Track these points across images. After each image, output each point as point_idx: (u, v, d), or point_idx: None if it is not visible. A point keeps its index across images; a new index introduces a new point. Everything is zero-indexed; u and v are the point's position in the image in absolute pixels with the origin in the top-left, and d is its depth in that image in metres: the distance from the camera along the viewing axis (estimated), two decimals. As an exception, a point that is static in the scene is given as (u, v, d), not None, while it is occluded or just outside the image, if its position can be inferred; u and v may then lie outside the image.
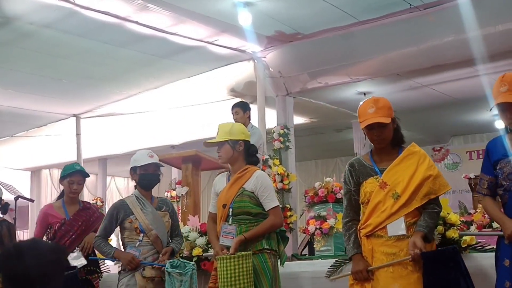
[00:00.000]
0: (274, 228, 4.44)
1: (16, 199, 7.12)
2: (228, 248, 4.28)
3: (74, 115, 11.98)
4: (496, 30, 7.57)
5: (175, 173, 12.17)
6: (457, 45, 7.84)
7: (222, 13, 7.83)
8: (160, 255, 4.78)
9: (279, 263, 4.50)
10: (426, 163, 3.81)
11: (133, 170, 4.99)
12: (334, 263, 5.10)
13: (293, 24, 8.45)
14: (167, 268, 4.61)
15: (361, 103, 3.95)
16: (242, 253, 4.16)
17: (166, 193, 8.75)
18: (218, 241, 4.42)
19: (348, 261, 4.05)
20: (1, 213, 6.06)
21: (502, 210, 3.63)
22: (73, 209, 5.46)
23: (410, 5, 7.80)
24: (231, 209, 4.37)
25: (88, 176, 5.55)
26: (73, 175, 5.43)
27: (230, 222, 4.37)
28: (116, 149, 14.19)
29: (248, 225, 4.34)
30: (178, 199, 7.97)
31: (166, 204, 5.07)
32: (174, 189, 8.54)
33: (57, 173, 17.09)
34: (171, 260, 4.70)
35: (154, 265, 4.73)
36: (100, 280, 5.46)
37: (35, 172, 16.56)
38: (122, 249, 4.90)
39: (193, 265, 4.71)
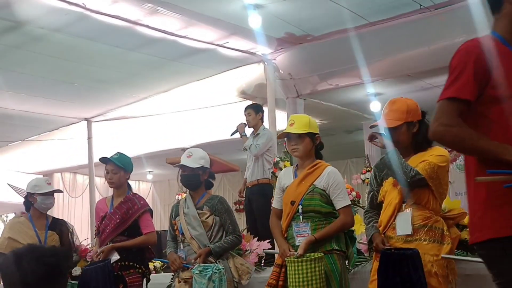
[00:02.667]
0: (345, 228, 4.29)
1: (28, 203, 7.11)
2: (294, 246, 4.18)
3: (86, 119, 12.02)
4: (507, 29, 7.52)
5: (186, 176, 12.14)
6: (468, 45, 7.79)
7: (232, 16, 7.84)
8: (193, 258, 4.71)
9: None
10: (436, 153, 3.80)
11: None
12: (346, 265, 5.09)
13: (303, 26, 8.45)
14: (193, 270, 4.54)
15: None
16: (314, 255, 4.00)
17: (177, 195, 8.77)
18: (284, 238, 4.29)
19: (370, 244, 4.03)
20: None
21: None
22: (118, 201, 5.30)
23: (421, 5, 7.77)
24: (300, 207, 4.21)
25: (123, 167, 5.31)
26: (107, 164, 5.33)
27: (301, 220, 4.21)
28: (127, 153, 14.18)
29: (317, 224, 4.19)
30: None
31: (212, 202, 4.89)
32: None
33: (68, 177, 17.18)
34: (205, 264, 4.57)
35: (188, 267, 4.69)
36: (145, 279, 5.23)
37: (47, 176, 16.63)
38: None
39: (216, 268, 4.53)
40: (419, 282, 3.48)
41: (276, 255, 4.55)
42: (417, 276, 3.48)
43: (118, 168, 5.31)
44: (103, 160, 5.40)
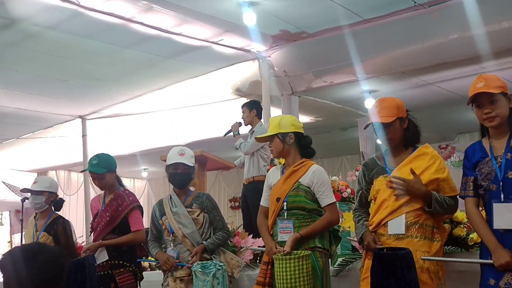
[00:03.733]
0: (331, 225, 4.33)
1: (22, 201, 7.08)
2: (281, 243, 4.20)
3: (80, 117, 12.01)
4: (501, 27, 7.54)
5: (181, 173, 12.15)
6: (462, 43, 7.81)
7: (226, 13, 7.83)
8: (190, 256, 4.68)
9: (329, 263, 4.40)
10: (436, 165, 3.82)
11: (166, 167, 4.90)
12: (341, 261, 5.10)
13: (298, 23, 8.45)
14: (194, 268, 4.51)
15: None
16: (302, 253, 4.03)
17: (172, 193, 8.77)
18: (270, 236, 4.32)
19: (360, 242, 4.03)
20: (55, 209, 5.85)
21: (483, 209, 3.59)
22: (109, 198, 5.26)
23: (415, 2, 7.79)
24: (285, 203, 4.26)
25: (101, 172, 5.17)
26: (90, 173, 5.28)
27: (285, 217, 4.25)
28: (122, 150, 14.22)
29: (301, 221, 4.23)
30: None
31: (200, 199, 4.88)
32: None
33: (63, 175, 17.16)
34: (204, 262, 4.57)
35: (184, 266, 4.67)
36: (138, 279, 5.19)
37: (42, 174, 16.59)
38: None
39: (218, 265, 4.54)
40: (413, 282, 3.49)
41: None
42: (411, 276, 3.49)
43: (102, 174, 5.23)
44: (86, 170, 5.35)
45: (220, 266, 4.54)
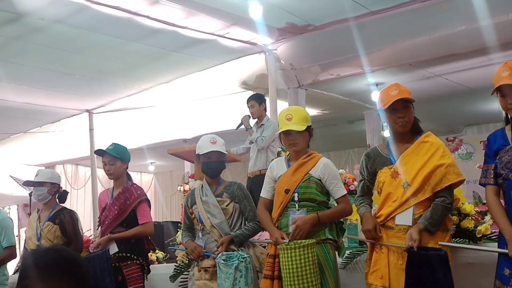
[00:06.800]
0: (345, 214, 4.37)
1: (30, 194, 7.12)
2: (289, 235, 4.18)
3: (87, 111, 12.03)
4: (509, 18, 7.52)
5: (187, 167, 12.19)
6: (470, 34, 7.79)
7: (233, 6, 7.82)
8: (215, 246, 4.60)
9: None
10: (440, 151, 3.80)
11: (197, 157, 4.85)
12: (348, 254, 5.10)
13: (304, 15, 8.42)
14: (217, 259, 4.43)
15: (381, 91, 3.98)
16: (306, 241, 3.98)
17: (179, 187, 8.75)
18: (275, 226, 4.27)
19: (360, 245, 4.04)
20: (59, 201, 5.89)
21: (503, 199, 3.58)
22: (117, 192, 5.29)
23: (422, -6, 7.77)
24: (296, 194, 4.23)
25: (114, 155, 5.27)
26: (103, 156, 5.31)
27: (297, 208, 4.22)
28: (129, 144, 14.15)
29: (311, 213, 4.19)
30: (191, 193, 7.94)
31: (231, 188, 4.77)
32: (187, 183, 8.54)
33: (71, 169, 17.20)
34: (229, 252, 4.47)
35: (209, 256, 4.60)
36: (145, 272, 5.21)
37: (49, 168, 16.62)
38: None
39: (241, 257, 4.42)
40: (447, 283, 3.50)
41: (266, 245, 4.51)
42: (447, 279, 3.50)
43: (114, 158, 5.30)
44: (99, 152, 5.41)
45: (243, 258, 4.42)
